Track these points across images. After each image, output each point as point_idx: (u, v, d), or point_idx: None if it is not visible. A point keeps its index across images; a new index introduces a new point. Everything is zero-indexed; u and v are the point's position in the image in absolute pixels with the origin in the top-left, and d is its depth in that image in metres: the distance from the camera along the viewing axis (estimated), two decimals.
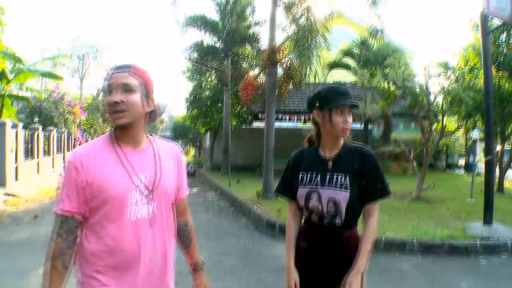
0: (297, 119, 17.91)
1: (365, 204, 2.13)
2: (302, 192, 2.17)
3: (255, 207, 9.07)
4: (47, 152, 18.58)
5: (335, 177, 2.10)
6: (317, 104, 2.16)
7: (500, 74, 11.62)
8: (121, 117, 1.64)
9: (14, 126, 13.97)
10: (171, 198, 1.82)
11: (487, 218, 6.82)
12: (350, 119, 2.12)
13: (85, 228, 1.67)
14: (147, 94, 1.72)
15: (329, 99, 2.11)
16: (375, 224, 2.13)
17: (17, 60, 15.42)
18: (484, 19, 7.01)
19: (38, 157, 16.87)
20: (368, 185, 2.10)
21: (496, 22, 9.40)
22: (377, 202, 2.15)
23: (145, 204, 1.69)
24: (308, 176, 2.16)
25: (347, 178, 2.07)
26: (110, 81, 1.67)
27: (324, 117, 2.13)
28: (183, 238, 2.02)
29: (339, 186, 2.08)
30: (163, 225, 1.76)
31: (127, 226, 1.64)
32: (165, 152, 1.83)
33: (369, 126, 18.38)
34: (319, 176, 2.13)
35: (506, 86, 11.51)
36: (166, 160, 1.81)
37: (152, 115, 1.80)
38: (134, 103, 1.65)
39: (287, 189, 2.29)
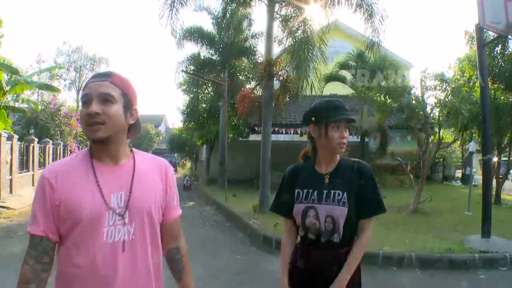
0: (293, 132, 17.89)
1: (359, 219, 2.09)
2: (298, 209, 2.11)
3: (252, 221, 8.99)
4: (42, 164, 18.48)
5: (332, 193, 2.05)
6: (313, 119, 2.12)
7: (495, 86, 11.66)
8: (98, 130, 1.47)
9: (10, 138, 13.91)
10: (155, 219, 1.61)
11: (485, 231, 6.77)
12: (346, 134, 2.09)
13: (57, 252, 1.53)
14: (128, 105, 1.55)
15: (325, 113, 2.07)
16: (367, 241, 2.09)
17: (14, 71, 15.38)
18: (480, 31, 7.04)
19: (33, 170, 16.80)
20: (364, 201, 2.06)
21: (491, 34, 9.47)
22: (371, 218, 2.11)
23: (120, 227, 1.50)
24: (304, 192, 2.11)
25: (345, 194, 2.03)
26: (86, 90, 1.51)
27: (320, 132, 2.09)
28: (174, 267, 1.77)
29: (336, 202, 2.03)
30: (144, 249, 1.56)
31: (97, 252, 1.46)
32: (148, 168, 1.64)
33: (366, 139, 18.39)
34: (315, 193, 2.08)
35: (502, 98, 11.55)
36: (148, 177, 1.62)
37: (134, 129, 1.63)
38: (113, 115, 1.48)
39: (283, 206, 2.24)
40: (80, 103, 1.56)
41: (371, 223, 2.12)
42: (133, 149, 1.67)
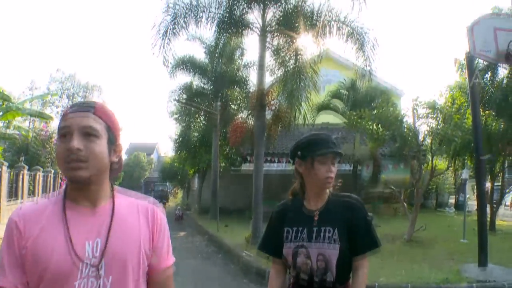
0: (285, 162, 17.82)
1: (354, 257, 2.00)
2: (288, 249, 2.02)
3: (244, 253, 8.79)
4: (32, 193, 18.20)
5: (322, 231, 1.96)
6: (298, 154, 2.06)
7: (486, 112, 11.74)
8: (78, 169, 1.27)
9: None
10: (138, 270, 1.37)
11: (482, 260, 6.69)
12: (334, 168, 2.01)
13: None
14: (113, 141, 1.36)
15: (311, 148, 2.01)
16: (364, 279, 2.00)
17: (6, 98, 15.33)
18: (470, 60, 7.12)
19: (22, 198, 16.51)
20: (357, 238, 1.98)
21: (480, 62, 9.61)
22: (366, 256, 2.03)
23: (92, 280, 1.28)
24: (294, 231, 2.02)
25: (336, 232, 1.94)
26: (66, 122, 1.30)
27: (306, 167, 2.03)
28: None
29: (327, 240, 1.94)
30: None
31: None
32: (131, 211, 1.42)
33: (358, 168, 18.35)
34: (305, 231, 1.99)
35: (493, 126, 11.61)
36: (130, 222, 1.39)
37: (116, 166, 1.42)
38: (97, 153, 1.29)
39: (271, 246, 2.15)
40: (56, 136, 1.39)
41: (366, 260, 2.03)
42: (116, 188, 1.46)
